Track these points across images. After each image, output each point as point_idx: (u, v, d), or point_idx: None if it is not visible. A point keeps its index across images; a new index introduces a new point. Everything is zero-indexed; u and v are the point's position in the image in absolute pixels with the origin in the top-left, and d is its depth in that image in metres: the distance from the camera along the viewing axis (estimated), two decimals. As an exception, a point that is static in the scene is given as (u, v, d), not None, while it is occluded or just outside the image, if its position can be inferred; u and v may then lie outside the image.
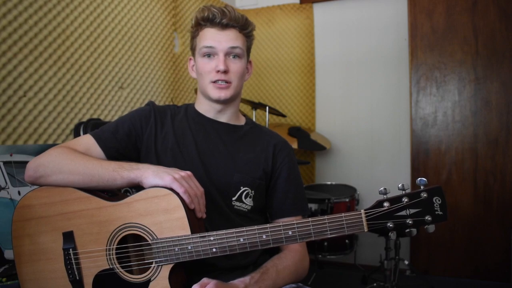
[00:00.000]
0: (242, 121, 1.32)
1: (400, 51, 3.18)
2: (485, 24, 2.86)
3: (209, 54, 1.19)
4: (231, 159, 1.21)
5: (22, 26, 1.72)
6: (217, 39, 1.17)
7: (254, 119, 2.76)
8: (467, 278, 2.93)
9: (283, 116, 2.97)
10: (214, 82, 1.18)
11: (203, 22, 1.19)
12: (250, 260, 1.19)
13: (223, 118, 1.27)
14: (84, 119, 2.01)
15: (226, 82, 1.18)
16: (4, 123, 1.65)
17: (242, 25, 1.19)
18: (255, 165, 1.23)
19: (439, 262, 3.02)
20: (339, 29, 3.38)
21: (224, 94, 1.19)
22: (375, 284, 2.65)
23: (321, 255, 2.75)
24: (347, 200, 2.81)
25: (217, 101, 1.21)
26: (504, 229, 2.79)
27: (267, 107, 2.63)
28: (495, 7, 2.83)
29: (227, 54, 1.18)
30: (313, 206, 2.82)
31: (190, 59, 1.29)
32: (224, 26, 1.17)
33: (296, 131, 3.06)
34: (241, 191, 1.19)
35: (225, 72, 1.17)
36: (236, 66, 1.19)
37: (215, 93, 1.19)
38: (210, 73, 1.18)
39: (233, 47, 1.17)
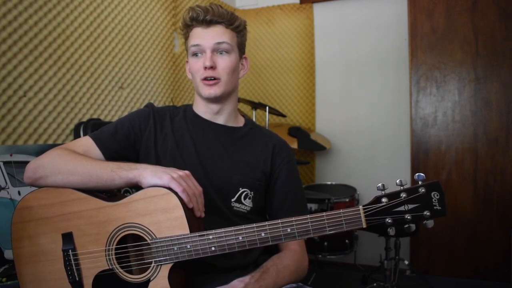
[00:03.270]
0: (241, 122, 1.32)
1: (400, 51, 3.17)
2: (485, 24, 2.85)
3: (197, 53, 1.19)
4: (230, 160, 1.21)
5: (22, 26, 1.72)
6: (202, 36, 1.17)
7: (254, 119, 2.76)
8: (467, 278, 2.93)
9: (283, 116, 2.97)
10: (204, 79, 1.18)
11: (190, 22, 1.20)
12: (250, 259, 1.19)
13: (221, 120, 1.27)
14: (84, 119, 2.02)
15: (215, 78, 1.18)
16: (4, 123, 1.65)
17: (227, 20, 1.19)
18: (254, 166, 1.23)
19: (439, 262, 3.03)
20: (339, 29, 3.38)
21: (214, 91, 1.18)
22: (375, 284, 2.65)
23: (321, 255, 2.75)
24: (347, 200, 2.81)
25: (209, 99, 1.21)
26: (504, 229, 2.79)
27: (267, 107, 2.63)
28: (495, 7, 2.82)
29: (214, 51, 1.18)
30: (313, 206, 2.83)
31: (187, 61, 1.29)
32: (208, 23, 1.17)
33: (296, 131, 3.06)
34: (240, 192, 1.19)
35: (212, 68, 1.17)
36: (224, 61, 1.18)
37: (206, 90, 1.19)
38: (199, 71, 1.19)
39: (219, 43, 1.17)
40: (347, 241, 2.76)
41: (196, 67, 1.19)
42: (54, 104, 1.87)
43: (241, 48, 1.25)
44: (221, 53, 1.19)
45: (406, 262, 2.74)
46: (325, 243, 2.70)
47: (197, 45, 1.18)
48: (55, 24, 1.87)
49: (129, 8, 2.34)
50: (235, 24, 1.21)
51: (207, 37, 1.17)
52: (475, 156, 2.91)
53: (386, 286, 2.54)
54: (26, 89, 1.74)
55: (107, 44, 2.17)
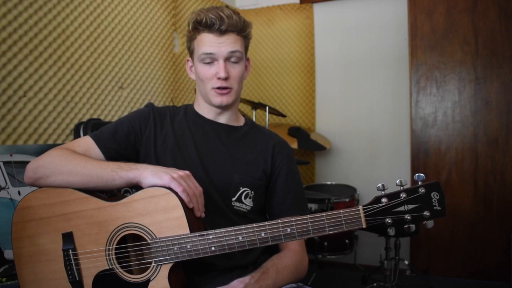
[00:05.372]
0: (241, 121, 1.32)
1: (400, 51, 3.18)
2: (485, 24, 2.85)
3: (209, 60, 1.18)
4: (230, 159, 1.21)
5: (22, 26, 1.72)
6: (216, 45, 1.15)
7: (254, 119, 2.76)
8: (467, 278, 2.93)
9: (283, 116, 2.97)
10: (217, 88, 1.18)
11: (200, 27, 1.17)
12: (250, 259, 1.19)
13: (222, 119, 1.27)
14: (84, 119, 2.02)
15: (228, 88, 1.18)
16: (4, 123, 1.65)
17: (240, 29, 1.18)
18: (254, 165, 1.23)
19: (439, 262, 3.03)
20: (339, 29, 3.38)
21: (226, 99, 1.19)
22: (375, 284, 2.65)
23: (321, 255, 2.75)
24: (347, 200, 2.81)
25: (220, 106, 1.22)
26: (504, 229, 2.79)
27: (267, 107, 2.63)
28: (495, 7, 2.83)
29: (226, 59, 1.17)
30: (313, 206, 2.83)
31: (188, 60, 1.28)
32: (222, 32, 1.15)
33: (296, 131, 3.06)
34: (240, 191, 1.19)
35: (226, 78, 1.17)
36: (236, 70, 1.19)
37: (217, 100, 1.19)
38: (211, 80, 1.18)
39: (233, 52, 1.17)
40: (347, 241, 2.76)
41: (207, 75, 1.18)
42: (54, 104, 1.87)
43: (246, 52, 1.26)
44: (233, 62, 1.18)
45: (406, 262, 2.74)
46: (325, 243, 2.70)
47: (210, 53, 1.16)
48: (55, 24, 1.87)
49: (129, 8, 2.34)
50: (246, 31, 1.20)
51: (221, 46, 1.15)
52: (475, 156, 2.91)
53: (386, 286, 2.54)
54: (26, 89, 1.74)
55: (107, 44, 2.17)
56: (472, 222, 2.91)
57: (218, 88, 1.18)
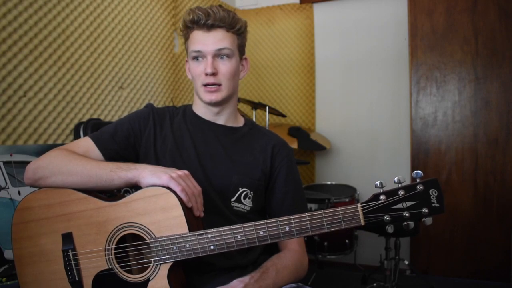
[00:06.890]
0: (240, 122, 1.32)
1: (400, 51, 3.17)
2: (485, 24, 2.85)
3: (198, 57, 1.19)
4: (229, 160, 1.21)
5: (22, 26, 1.72)
6: (204, 41, 1.16)
7: (254, 119, 2.77)
8: (467, 278, 2.93)
9: (283, 116, 2.97)
10: (205, 85, 1.18)
11: (190, 24, 1.18)
12: (250, 259, 1.19)
13: (221, 120, 1.27)
14: (84, 119, 2.02)
15: (216, 85, 1.18)
16: (4, 123, 1.65)
17: (229, 24, 1.17)
18: (253, 166, 1.23)
19: (439, 262, 3.02)
20: (339, 29, 3.38)
21: (215, 97, 1.19)
22: (375, 284, 2.65)
23: (321, 255, 2.75)
24: (347, 200, 2.81)
25: (210, 103, 1.21)
26: (504, 229, 2.79)
27: (267, 107, 2.63)
28: (495, 7, 2.82)
29: (215, 56, 1.17)
30: (313, 206, 2.83)
31: (186, 61, 1.29)
32: (209, 27, 1.16)
33: (296, 131, 3.06)
34: (239, 192, 1.19)
35: (214, 74, 1.17)
36: (225, 67, 1.18)
37: (206, 96, 1.19)
38: (200, 76, 1.18)
39: (220, 49, 1.17)
40: (347, 241, 2.76)
41: (197, 71, 1.19)
42: (54, 104, 1.87)
43: (241, 50, 1.25)
44: (222, 58, 1.18)
45: (406, 262, 2.74)
46: (325, 243, 2.70)
47: (198, 51, 1.17)
48: (55, 24, 1.87)
49: (129, 8, 2.34)
50: (236, 27, 1.20)
51: (208, 42, 1.16)
52: (475, 156, 2.91)
53: (386, 286, 2.54)
54: (26, 89, 1.74)
55: (107, 44, 2.17)
56: (472, 222, 2.91)
57: (207, 85, 1.18)
